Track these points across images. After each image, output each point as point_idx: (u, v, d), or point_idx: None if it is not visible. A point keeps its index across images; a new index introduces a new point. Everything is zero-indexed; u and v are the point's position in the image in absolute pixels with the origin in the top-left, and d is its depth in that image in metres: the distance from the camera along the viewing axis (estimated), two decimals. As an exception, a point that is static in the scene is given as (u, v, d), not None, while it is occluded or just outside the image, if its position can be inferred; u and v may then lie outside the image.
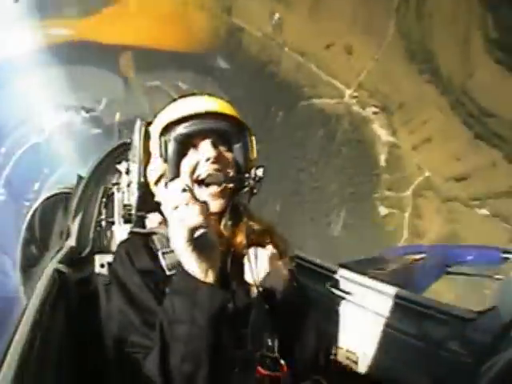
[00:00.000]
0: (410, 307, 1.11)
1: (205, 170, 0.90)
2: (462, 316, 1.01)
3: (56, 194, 1.55)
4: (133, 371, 0.73)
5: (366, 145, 6.80)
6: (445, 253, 2.03)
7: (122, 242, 0.96)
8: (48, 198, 1.57)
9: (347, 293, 1.24)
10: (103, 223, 1.26)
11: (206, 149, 0.91)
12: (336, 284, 1.28)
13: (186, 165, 0.91)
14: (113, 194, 1.25)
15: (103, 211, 1.27)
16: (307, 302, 0.97)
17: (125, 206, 1.13)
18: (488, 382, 0.46)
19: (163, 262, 0.85)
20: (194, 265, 0.71)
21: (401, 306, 1.13)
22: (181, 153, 0.92)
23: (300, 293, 0.96)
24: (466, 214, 6.05)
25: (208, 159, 0.90)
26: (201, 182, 0.90)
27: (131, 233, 0.99)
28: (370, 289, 1.21)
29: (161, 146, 0.92)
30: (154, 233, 0.92)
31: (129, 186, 1.12)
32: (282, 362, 0.83)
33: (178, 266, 0.76)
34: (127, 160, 1.18)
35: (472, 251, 2.02)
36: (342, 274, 1.28)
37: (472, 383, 0.49)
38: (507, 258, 1.89)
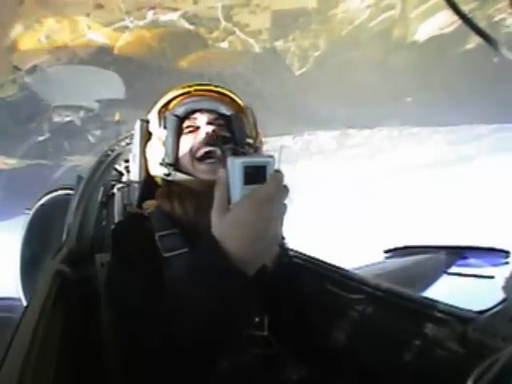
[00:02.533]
0: (410, 307, 1.11)
1: (202, 146, 0.92)
2: (462, 316, 1.01)
3: (56, 194, 1.55)
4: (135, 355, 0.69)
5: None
6: (446, 254, 2.03)
7: (121, 221, 0.97)
8: (48, 198, 1.57)
9: (347, 291, 1.24)
10: (103, 223, 1.26)
11: (203, 126, 0.94)
12: (336, 283, 1.28)
13: (184, 141, 0.94)
14: (113, 193, 1.25)
15: (103, 211, 1.27)
16: (297, 281, 0.96)
17: (125, 205, 1.13)
18: (488, 382, 0.46)
19: (159, 244, 0.85)
20: None
21: (401, 306, 1.13)
22: (179, 129, 0.95)
23: (290, 270, 0.96)
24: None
25: (206, 133, 0.93)
26: (199, 160, 0.92)
27: (129, 213, 0.99)
28: (371, 288, 1.21)
29: (160, 120, 0.96)
30: (151, 215, 0.92)
31: (129, 185, 1.12)
32: (273, 340, 0.83)
33: (174, 248, 0.79)
34: (127, 159, 1.18)
35: (473, 254, 2.03)
36: (342, 273, 1.28)
37: (472, 383, 0.49)
38: (507, 262, 1.89)
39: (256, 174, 0.60)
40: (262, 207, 0.58)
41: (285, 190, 0.61)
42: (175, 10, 7.41)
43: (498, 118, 9.41)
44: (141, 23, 7.39)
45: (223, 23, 7.74)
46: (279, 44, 8.30)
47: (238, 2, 7.54)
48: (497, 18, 8.03)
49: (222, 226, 0.60)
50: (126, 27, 7.34)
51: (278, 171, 0.61)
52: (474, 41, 8.15)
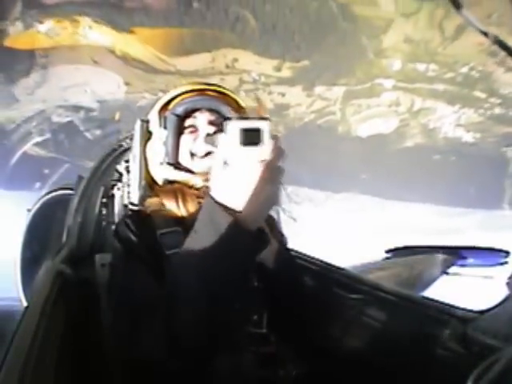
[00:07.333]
0: (410, 307, 1.12)
1: (203, 146, 0.92)
2: (462, 316, 1.01)
3: (56, 195, 1.55)
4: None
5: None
6: (446, 254, 2.04)
7: (123, 219, 0.97)
8: (48, 199, 1.57)
9: (347, 291, 1.24)
10: (103, 223, 1.26)
11: (203, 126, 0.94)
12: (336, 283, 1.28)
13: (185, 141, 0.95)
14: (113, 194, 1.25)
15: (103, 211, 1.27)
16: (298, 277, 0.96)
17: (125, 206, 1.13)
18: (488, 382, 0.46)
19: (161, 242, 0.84)
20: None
21: (401, 306, 1.13)
22: (179, 129, 0.95)
23: (290, 267, 0.95)
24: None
25: (206, 134, 0.93)
26: (200, 157, 0.93)
27: (131, 210, 0.99)
28: (371, 288, 1.21)
29: (160, 120, 0.96)
30: (153, 214, 0.91)
31: (129, 185, 1.12)
32: (272, 337, 0.83)
33: (176, 246, 0.78)
34: (127, 160, 1.18)
35: (472, 254, 2.03)
36: (342, 273, 1.28)
37: (472, 383, 0.49)
38: (506, 262, 1.90)
39: (253, 136, 0.64)
40: (258, 167, 0.62)
41: (280, 151, 0.65)
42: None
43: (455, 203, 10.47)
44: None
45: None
46: (247, 129, 11.41)
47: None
48: (431, 126, 9.97)
49: (219, 185, 0.64)
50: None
51: (275, 135, 0.65)
52: (412, 141, 10.49)
